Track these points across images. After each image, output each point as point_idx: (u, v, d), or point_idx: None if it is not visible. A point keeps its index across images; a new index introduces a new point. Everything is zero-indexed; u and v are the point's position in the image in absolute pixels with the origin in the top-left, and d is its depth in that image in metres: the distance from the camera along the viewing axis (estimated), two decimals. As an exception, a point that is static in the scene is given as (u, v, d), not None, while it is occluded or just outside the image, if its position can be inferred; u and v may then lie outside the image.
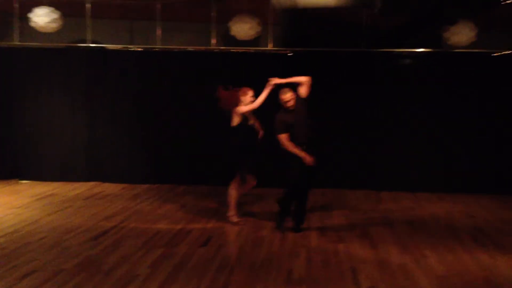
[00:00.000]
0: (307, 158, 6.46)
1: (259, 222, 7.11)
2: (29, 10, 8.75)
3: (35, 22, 8.71)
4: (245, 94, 6.93)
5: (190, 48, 9.52)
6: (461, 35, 8.52)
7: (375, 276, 5.20)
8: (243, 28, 8.65)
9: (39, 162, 9.88)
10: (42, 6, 8.71)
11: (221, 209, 7.57)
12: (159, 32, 9.19)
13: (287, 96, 6.57)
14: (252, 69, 9.22)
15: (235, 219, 7.14)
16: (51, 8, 8.72)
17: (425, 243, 6.35)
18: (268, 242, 6.30)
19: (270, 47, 9.18)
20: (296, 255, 5.83)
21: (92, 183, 9.70)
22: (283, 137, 6.53)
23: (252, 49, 9.40)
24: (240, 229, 6.84)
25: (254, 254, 5.83)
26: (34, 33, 9.06)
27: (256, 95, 6.96)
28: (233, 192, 7.08)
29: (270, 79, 6.78)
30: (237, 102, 6.89)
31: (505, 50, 9.08)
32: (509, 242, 6.51)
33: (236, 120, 6.90)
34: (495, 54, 9.19)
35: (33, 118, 9.86)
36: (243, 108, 6.87)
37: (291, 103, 6.58)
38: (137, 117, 9.78)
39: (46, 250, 5.80)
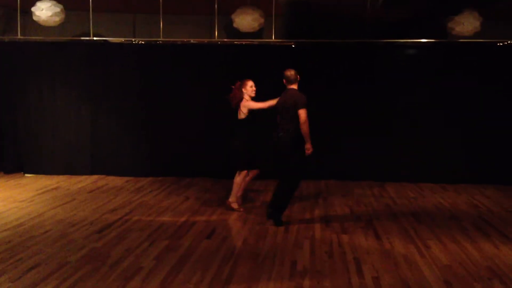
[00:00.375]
0: (311, 147, 6.47)
1: (263, 214, 7.11)
2: (32, 4, 8.73)
3: (37, 16, 8.69)
4: (245, 85, 6.97)
5: (192, 41, 9.50)
6: (466, 25, 8.45)
7: (379, 267, 5.20)
8: (246, 20, 8.61)
9: (43, 156, 9.91)
10: (44, 0, 8.69)
11: (225, 202, 7.56)
12: (161, 25, 9.16)
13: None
14: (255, 61, 9.25)
15: (235, 205, 7.24)
16: (53, 2, 8.70)
17: (429, 234, 6.36)
18: (272, 234, 6.31)
19: (273, 39, 9.15)
20: (300, 246, 5.84)
21: (96, 176, 9.73)
22: (306, 113, 6.40)
23: (255, 41, 9.37)
24: (244, 221, 6.85)
25: (258, 246, 5.84)
26: (37, 27, 9.04)
27: (259, 87, 6.98)
28: (238, 180, 7.17)
29: None
30: (240, 97, 6.96)
31: (510, 40, 9.02)
32: (513, 232, 6.52)
33: (243, 113, 6.95)
34: (499, 44, 9.13)
35: (37, 112, 9.88)
36: (252, 104, 6.91)
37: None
38: (140, 110, 9.80)
39: (50, 243, 5.82)
